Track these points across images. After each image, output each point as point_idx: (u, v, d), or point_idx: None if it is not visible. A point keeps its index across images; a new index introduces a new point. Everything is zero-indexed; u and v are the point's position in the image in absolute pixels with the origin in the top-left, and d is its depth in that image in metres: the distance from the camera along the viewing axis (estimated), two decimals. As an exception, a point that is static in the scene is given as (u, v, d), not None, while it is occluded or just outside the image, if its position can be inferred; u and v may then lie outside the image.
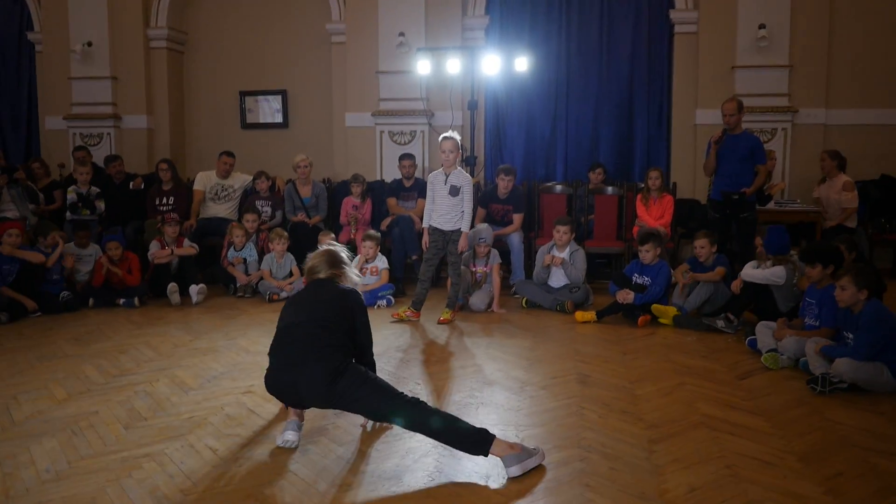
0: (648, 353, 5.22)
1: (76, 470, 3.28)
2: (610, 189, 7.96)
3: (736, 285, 5.82)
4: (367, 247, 6.71)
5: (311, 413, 3.74)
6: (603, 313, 6.16)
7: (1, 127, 9.90)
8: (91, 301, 6.71)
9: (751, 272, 5.72)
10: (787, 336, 4.89)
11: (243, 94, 9.69)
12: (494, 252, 6.76)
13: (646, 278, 6.22)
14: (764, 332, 5.10)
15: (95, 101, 9.39)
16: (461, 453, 3.39)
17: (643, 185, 7.59)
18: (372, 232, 7.02)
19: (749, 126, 7.14)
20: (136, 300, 6.70)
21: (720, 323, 5.74)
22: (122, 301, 6.70)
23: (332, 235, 7.01)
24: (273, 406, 4.08)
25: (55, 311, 6.43)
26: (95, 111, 9.39)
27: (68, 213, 7.53)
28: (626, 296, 6.08)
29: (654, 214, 7.35)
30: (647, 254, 6.22)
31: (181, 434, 3.69)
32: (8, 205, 7.38)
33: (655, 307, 6.06)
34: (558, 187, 8.14)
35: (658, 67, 8.75)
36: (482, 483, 3.13)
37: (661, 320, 6.04)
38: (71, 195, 7.54)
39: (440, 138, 6.02)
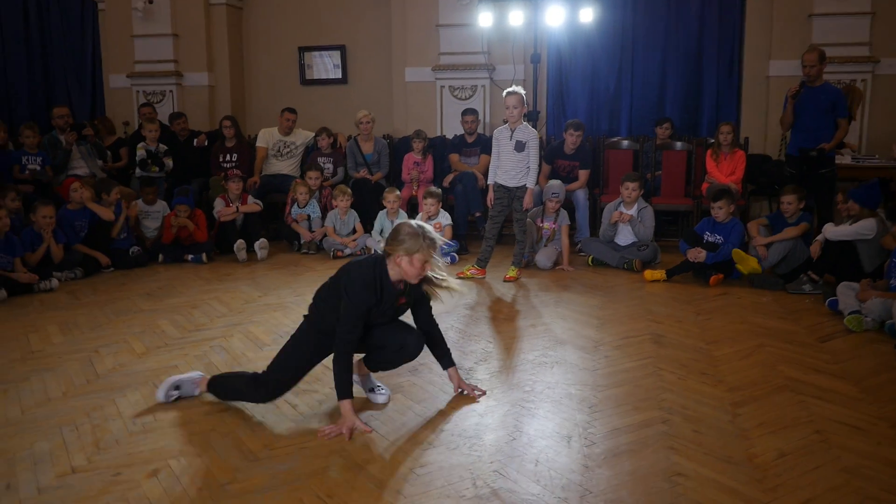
0: (723, 313, 5.09)
1: (161, 422, 3.35)
2: (678, 144, 7.72)
3: (815, 250, 5.61)
4: (429, 204, 6.66)
5: (389, 372, 3.73)
6: (673, 272, 6.02)
7: (67, 86, 10.03)
8: (161, 257, 6.83)
9: (838, 230, 5.49)
10: (871, 297, 4.70)
11: (302, 49, 9.63)
12: (563, 212, 6.64)
13: (718, 236, 6.04)
14: (846, 292, 4.92)
15: (157, 58, 9.44)
16: (540, 413, 3.37)
17: (713, 141, 7.34)
18: (433, 188, 6.96)
19: (827, 78, 6.79)
20: (203, 256, 6.79)
21: (806, 287, 5.55)
22: (190, 257, 6.80)
23: (397, 192, 6.97)
24: (347, 363, 4.09)
25: (126, 266, 6.56)
26: (158, 69, 9.45)
27: (137, 170, 7.64)
28: (697, 254, 5.92)
29: (724, 171, 7.11)
30: (720, 211, 6.03)
31: (259, 389, 3.73)
32: (78, 161, 7.50)
33: (736, 252, 5.86)
34: (625, 143, 7.94)
35: (729, 16, 8.37)
36: (563, 442, 3.09)
37: (739, 267, 5.85)
38: (140, 152, 7.63)
39: (504, 93, 5.88)
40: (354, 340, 3.28)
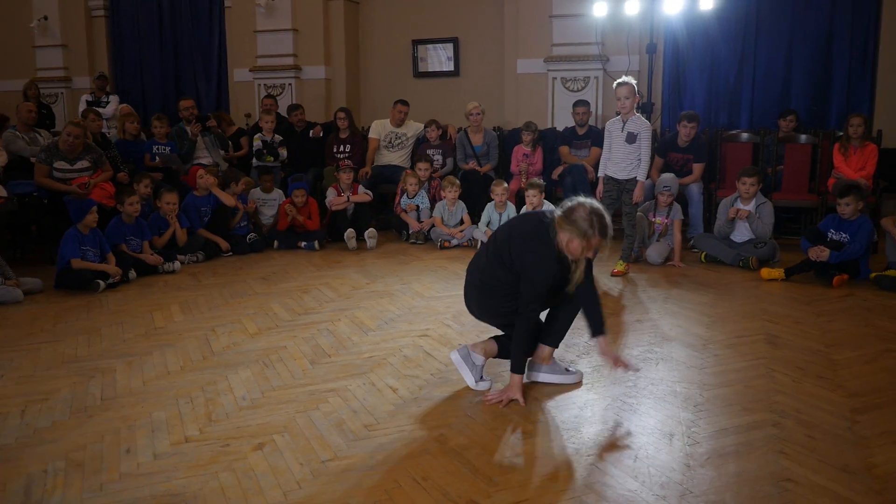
0: (846, 315, 4.79)
1: (269, 399, 3.48)
2: (803, 137, 7.32)
3: None
4: (531, 195, 6.59)
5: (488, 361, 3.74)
6: (792, 271, 5.72)
7: (195, 80, 10.58)
8: (276, 243, 7.10)
9: None
10: None
11: (416, 42, 9.75)
12: (677, 206, 6.44)
13: (843, 234, 5.69)
14: None
15: (278, 53, 9.80)
16: (642, 409, 3.29)
17: (842, 133, 6.91)
18: (536, 180, 6.89)
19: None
20: (315, 243, 7.01)
21: None
22: (303, 244, 7.03)
23: (505, 185, 6.95)
24: (448, 350, 4.12)
25: (243, 252, 6.86)
26: (278, 63, 9.81)
27: (254, 160, 7.96)
28: (820, 253, 5.60)
29: (854, 165, 6.69)
30: (848, 207, 5.67)
31: (363, 372, 3.82)
32: (202, 151, 7.90)
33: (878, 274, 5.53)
34: (744, 135, 7.59)
35: (864, -1, 7.85)
36: (665, 440, 3.00)
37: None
38: (256, 143, 7.96)
39: (615, 84, 5.74)
40: (537, 315, 3.45)
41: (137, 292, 5.56)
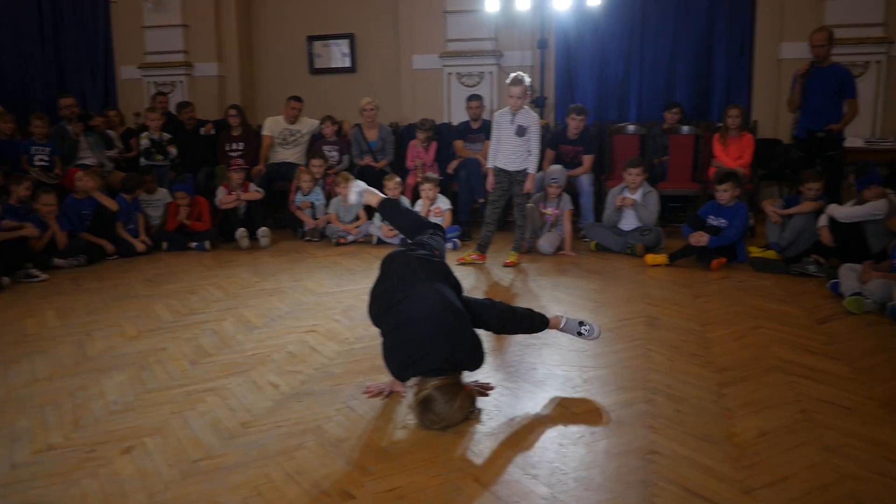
0: (722, 296, 5.01)
1: (143, 402, 3.36)
2: (685, 129, 7.60)
3: (825, 237, 5.48)
4: (426, 189, 6.61)
5: (371, 352, 3.72)
6: (675, 256, 5.93)
7: (80, 78, 10.14)
8: (164, 245, 6.87)
9: (848, 210, 5.41)
10: (874, 279, 4.60)
11: (311, 38, 9.63)
12: (566, 197, 6.57)
13: (722, 220, 5.94)
14: (848, 274, 4.81)
15: (168, 49, 9.50)
16: (521, 393, 3.34)
17: (721, 124, 7.22)
18: (430, 174, 6.92)
19: (838, 59, 6.64)
20: (206, 244, 6.82)
21: (811, 268, 5.45)
22: (193, 245, 6.83)
23: (398, 179, 6.94)
24: (334, 345, 4.09)
25: (130, 255, 6.61)
26: (168, 59, 9.50)
27: (142, 160, 7.68)
28: (699, 238, 5.83)
29: (732, 154, 6.99)
30: (725, 194, 5.93)
31: (244, 370, 3.74)
32: (85, 152, 7.56)
33: (753, 249, 5.88)
34: (630, 128, 7.83)
35: (741, -2, 8.23)
36: (541, 421, 3.05)
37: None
38: (144, 141, 7.68)
39: (508, 80, 5.80)
40: None
41: (12, 299, 5.26)
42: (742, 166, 6.83)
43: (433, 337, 2.97)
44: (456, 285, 3.34)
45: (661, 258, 5.94)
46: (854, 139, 7.12)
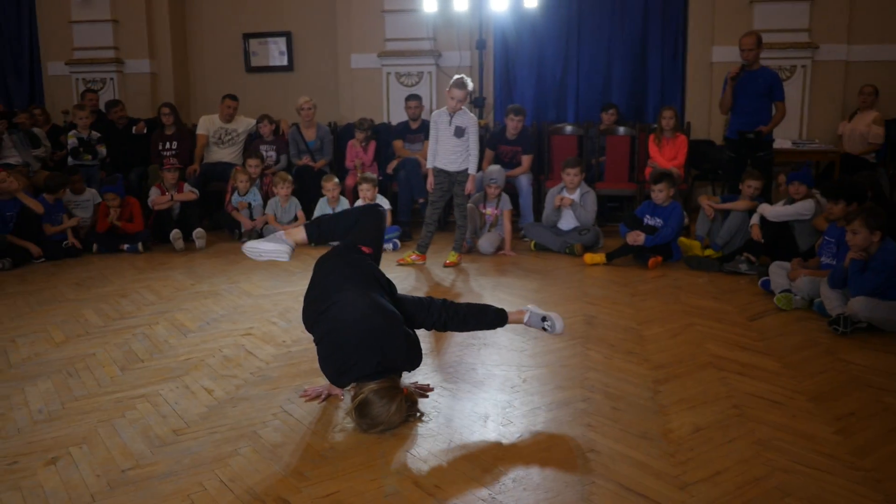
0: (658, 294, 5.10)
1: (69, 410, 3.24)
2: (622, 129, 7.73)
3: (756, 233, 5.64)
4: (364, 189, 6.55)
5: (309, 355, 3.65)
6: (613, 255, 6.01)
7: (4, 73, 9.74)
8: (95, 247, 6.63)
9: (777, 210, 5.59)
10: (801, 276, 4.74)
11: (247, 36, 9.46)
12: (505, 197, 6.60)
13: (658, 219, 6.05)
14: (778, 272, 4.96)
15: (97, 45, 9.19)
16: (460, 394, 3.33)
17: (656, 126, 7.36)
18: (368, 174, 6.86)
19: (767, 63, 6.84)
20: (139, 246, 6.62)
21: (743, 266, 5.60)
22: (125, 247, 6.62)
23: (336, 180, 6.86)
24: (271, 348, 4.01)
25: (58, 257, 6.37)
26: (97, 55, 9.20)
27: (70, 159, 7.42)
28: (636, 237, 5.93)
29: (667, 155, 7.13)
30: (660, 194, 6.04)
31: (177, 375, 3.64)
32: (10, 151, 7.26)
33: (682, 240, 5.99)
34: (568, 128, 7.92)
35: (673, 3, 8.40)
36: (480, 422, 3.05)
37: (692, 252, 5.99)
38: (71, 140, 7.41)
39: (451, 82, 5.77)
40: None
41: (-72, 305, 5.03)
42: (676, 167, 6.97)
43: (363, 341, 2.95)
44: (388, 286, 3.32)
45: (599, 257, 6.01)
46: (783, 141, 7.34)
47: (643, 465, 2.67)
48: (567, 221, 6.57)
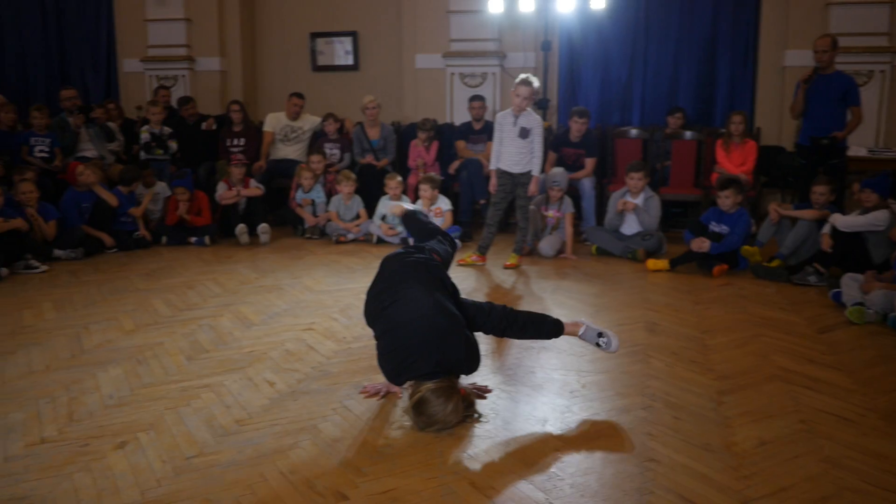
0: (723, 303, 4.98)
1: (138, 397, 3.34)
2: (688, 134, 7.58)
3: (826, 243, 5.46)
4: (424, 189, 6.58)
5: (368, 352, 3.68)
6: (676, 262, 5.90)
7: (82, 70, 10.10)
8: (164, 239, 6.84)
9: (849, 220, 5.39)
10: (875, 289, 4.57)
11: (314, 35, 9.60)
12: (568, 200, 6.55)
13: (724, 227, 5.91)
14: (850, 284, 4.79)
15: (170, 42, 9.46)
16: (519, 397, 3.32)
17: (724, 130, 7.20)
18: (430, 174, 6.89)
19: (843, 68, 6.62)
20: (206, 239, 6.79)
21: (812, 278, 5.43)
22: (193, 239, 6.81)
23: (399, 178, 6.91)
24: (332, 344, 4.06)
25: (130, 248, 6.58)
26: (170, 53, 9.46)
27: (142, 153, 7.65)
28: (701, 244, 5.81)
29: (735, 161, 6.97)
30: (727, 200, 5.90)
31: (241, 367, 3.71)
32: (86, 144, 7.54)
33: (745, 248, 5.81)
34: (633, 132, 7.81)
35: (745, 4, 8.20)
36: (538, 426, 3.03)
37: (754, 259, 5.79)
38: (144, 135, 7.64)
39: (517, 80, 5.75)
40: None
41: (8, 290, 5.24)
42: (745, 173, 6.81)
43: (423, 340, 2.97)
44: (452, 288, 3.33)
45: (661, 263, 5.91)
46: (857, 148, 7.10)
47: (705, 478, 2.61)
48: (630, 226, 6.48)
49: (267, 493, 2.51)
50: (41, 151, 7.16)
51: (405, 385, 3.14)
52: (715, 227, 5.97)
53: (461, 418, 2.98)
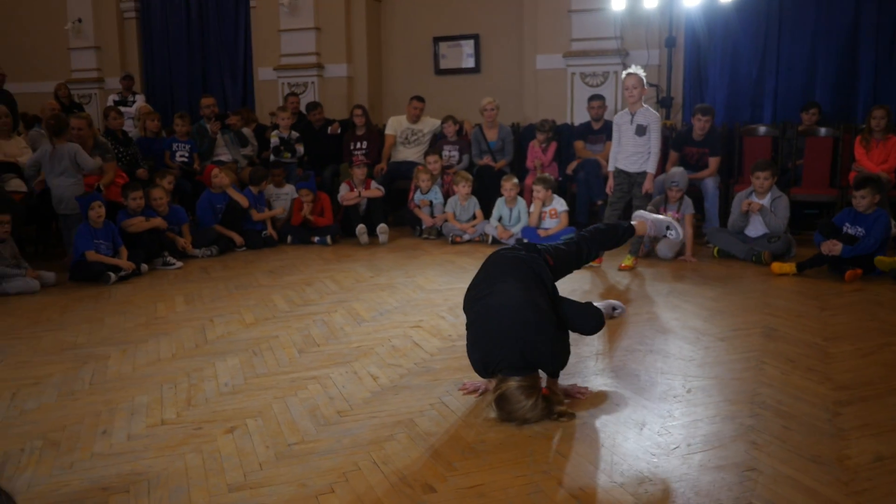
0: (852, 310, 4.66)
1: (250, 386, 3.53)
2: (823, 130, 7.14)
3: None
4: (536, 191, 6.55)
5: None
6: (804, 266, 5.57)
7: (222, 79, 10.76)
8: (289, 238, 7.18)
9: None
10: None
11: (437, 39, 9.77)
12: (688, 200, 6.33)
13: (859, 229, 5.53)
14: None
15: (301, 51, 9.91)
16: (620, 399, 3.25)
17: (864, 126, 6.72)
18: (543, 175, 6.84)
19: None
20: (328, 238, 7.07)
21: None
22: (316, 239, 7.11)
23: (515, 180, 6.91)
24: (437, 341, 4.13)
25: (257, 247, 6.96)
26: (301, 61, 9.91)
27: (271, 157, 8.06)
28: (832, 247, 5.46)
29: (875, 159, 6.50)
30: (863, 200, 5.51)
31: (348, 361, 3.85)
32: (222, 149, 8.03)
33: (879, 259, 5.38)
34: (762, 129, 7.44)
35: (892, -10, 7.62)
36: (636, 429, 2.96)
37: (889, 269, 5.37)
38: (273, 139, 8.05)
39: (623, 74, 5.68)
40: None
41: (147, 284, 5.68)
42: (886, 171, 6.34)
43: (510, 331, 3.00)
44: (552, 289, 3.33)
45: (788, 267, 5.60)
46: None
47: (810, 491, 2.46)
48: (755, 228, 6.18)
49: (359, 481, 2.60)
50: (181, 156, 7.69)
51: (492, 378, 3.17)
52: (849, 228, 5.59)
53: (541, 416, 2.98)
